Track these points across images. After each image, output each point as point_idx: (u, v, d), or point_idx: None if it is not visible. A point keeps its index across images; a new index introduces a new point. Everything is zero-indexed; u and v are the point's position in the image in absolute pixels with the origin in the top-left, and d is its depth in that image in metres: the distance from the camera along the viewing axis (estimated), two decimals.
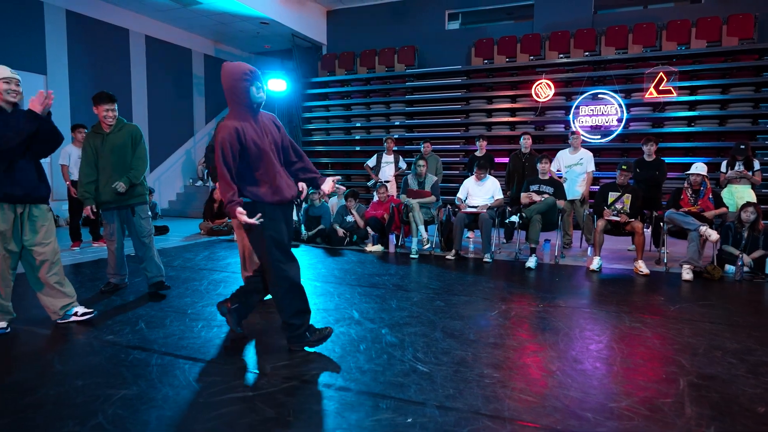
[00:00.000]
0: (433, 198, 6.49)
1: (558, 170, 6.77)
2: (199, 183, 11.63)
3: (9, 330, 3.23)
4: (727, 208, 5.58)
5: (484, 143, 7.52)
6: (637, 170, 6.36)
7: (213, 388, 2.41)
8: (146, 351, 2.90)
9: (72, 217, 6.72)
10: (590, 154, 6.75)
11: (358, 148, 11.16)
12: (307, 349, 2.89)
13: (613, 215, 5.45)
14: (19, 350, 2.99)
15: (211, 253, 6.35)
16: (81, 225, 6.73)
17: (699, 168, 5.51)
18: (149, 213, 4.33)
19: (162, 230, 8.13)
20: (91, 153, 4.03)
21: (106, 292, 4.21)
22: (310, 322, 2.94)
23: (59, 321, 3.37)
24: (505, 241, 7.25)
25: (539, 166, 6.09)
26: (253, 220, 2.62)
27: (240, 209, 2.62)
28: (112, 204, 4.07)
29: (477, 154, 7.50)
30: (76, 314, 3.42)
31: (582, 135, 9.04)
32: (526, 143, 6.98)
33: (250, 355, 2.91)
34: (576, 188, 6.64)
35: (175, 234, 8.12)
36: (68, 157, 6.56)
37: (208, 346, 3.00)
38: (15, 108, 3.19)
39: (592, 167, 6.68)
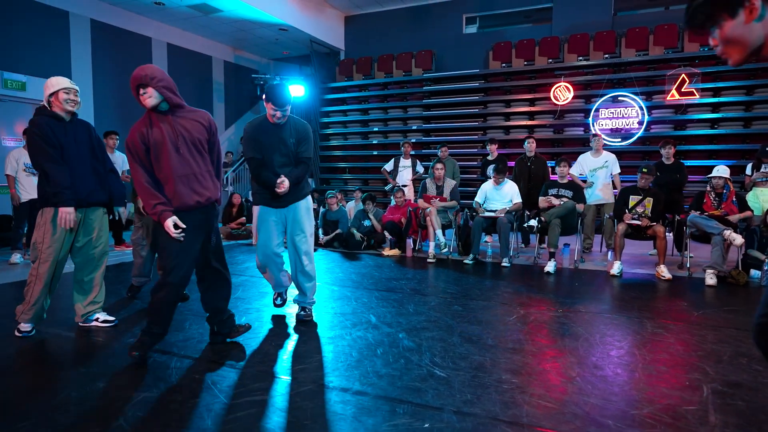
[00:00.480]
0: (454, 202, 6.48)
1: (581, 174, 6.68)
2: None
3: (34, 332, 3.32)
4: (752, 211, 5.46)
5: (495, 147, 7.48)
6: (657, 174, 6.26)
7: (231, 391, 2.44)
8: (166, 354, 2.94)
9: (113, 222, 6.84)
10: (614, 156, 6.66)
11: (375, 153, 11.20)
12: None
13: (634, 219, 5.37)
14: (43, 353, 3.06)
15: (230, 257, 6.42)
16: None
17: (721, 171, 5.40)
18: None
19: None
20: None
21: (132, 297, 4.30)
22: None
23: (81, 324, 3.45)
24: (523, 245, 7.18)
25: (558, 169, 6.04)
26: (170, 230, 2.66)
27: (167, 215, 2.68)
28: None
29: (489, 158, 7.46)
30: (97, 320, 3.49)
31: (603, 138, 8.96)
32: (530, 146, 6.95)
33: (269, 359, 2.92)
34: (597, 192, 6.55)
35: None
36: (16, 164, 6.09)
37: (226, 350, 3.03)
38: (73, 117, 3.34)
39: (617, 169, 6.58)
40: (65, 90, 3.24)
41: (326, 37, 11.78)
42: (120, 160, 6.46)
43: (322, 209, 7.51)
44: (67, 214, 3.13)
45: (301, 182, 3.48)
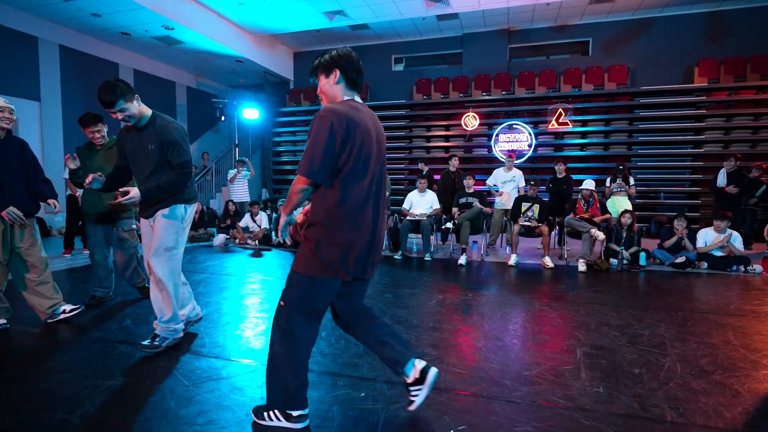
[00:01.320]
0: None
1: (495, 185, 6.91)
2: None
3: (9, 326, 2.99)
4: (610, 214, 5.93)
5: (425, 166, 7.69)
6: (551, 185, 6.63)
7: (193, 376, 2.30)
8: (132, 345, 2.72)
9: (67, 227, 6.26)
10: (521, 172, 6.92)
11: None
12: None
13: (526, 221, 5.66)
14: (9, 348, 2.74)
15: (192, 257, 6.07)
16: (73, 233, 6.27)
17: (588, 183, 5.84)
18: (134, 226, 3.80)
19: None
20: (83, 167, 3.48)
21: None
22: None
23: (49, 320, 3.12)
24: (441, 242, 7.36)
25: (465, 182, 6.25)
26: None
27: None
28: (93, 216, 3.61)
29: (424, 173, 7.66)
30: (64, 311, 3.17)
31: (501, 157, 9.39)
32: (454, 163, 7.17)
33: (226, 345, 2.79)
34: (507, 201, 6.77)
35: None
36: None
37: (188, 339, 2.86)
38: (8, 134, 2.98)
39: (523, 183, 6.81)
40: None
41: (277, 68, 11.50)
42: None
43: (275, 215, 7.29)
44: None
45: (171, 191, 2.54)
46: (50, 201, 3.12)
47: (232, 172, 8.49)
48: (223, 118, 10.96)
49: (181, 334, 2.75)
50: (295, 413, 1.76)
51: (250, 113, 10.71)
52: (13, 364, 2.49)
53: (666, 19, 9.29)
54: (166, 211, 2.59)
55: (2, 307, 2.98)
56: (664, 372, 2.38)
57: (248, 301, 3.81)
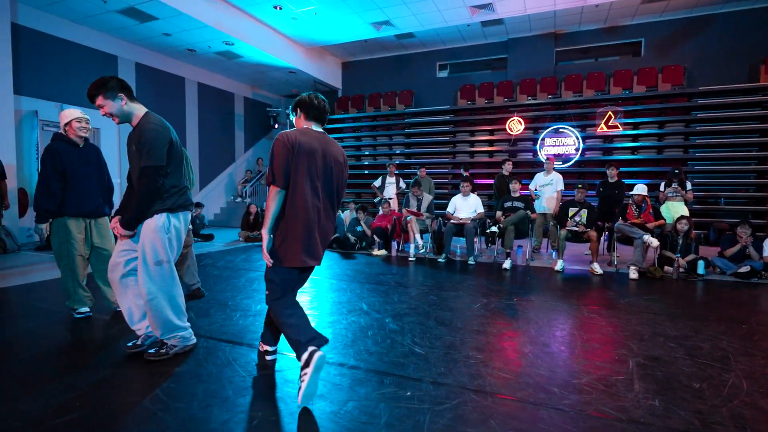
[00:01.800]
0: (426, 215, 6.48)
1: (535, 189, 6.74)
2: (239, 199, 11.65)
3: (91, 314, 3.25)
4: (665, 220, 5.55)
5: (467, 171, 7.81)
6: (601, 189, 6.32)
7: (249, 367, 2.39)
8: (195, 336, 2.87)
9: None
10: (560, 176, 6.71)
11: (366, 172, 11.18)
12: None
13: (573, 226, 5.42)
14: (90, 333, 2.97)
15: (248, 256, 6.34)
16: None
17: (640, 189, 5.50)
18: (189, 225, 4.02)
19: (208, 238, 8.13)
20: None
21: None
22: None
23: (118, 309, 3.36)
24: (485, 246, 7.21)
25: (511, 186, 6.09)
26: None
27: None
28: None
29: (465, 174, 7.73)
30: None
31: (553, 162, 9.06)
32: (507, 167, 7.02)
33: (282, 339, 2.87)
34: (543, 204, 6.61)
35: (219, 240, 8.12)
36: None
37: (244, 332, 2.98)
38: (86, 142, 3.26)
39: (561, 186, 6.62)
40: (77, 119, 3.17)
41: (327, 78, 11.78)
42: None
43: (340, 214, 7.44)
44: (45, 228, 3.16)
45: (147, 204, 2.32)
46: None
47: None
48: (276, 126, 11.39)
49: (193, 341, 2.60)
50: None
51: None
52: (93, 348, 2.70)
53: (726, 15, 8.58)
54: (148, 221, 2.38)
55: (85, 296, 3.25)
56: (727, 388, 2.18)
57: (298, 298, 3.90)
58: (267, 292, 2.22)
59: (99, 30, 8.37)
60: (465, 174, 8.13)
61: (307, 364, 1.93)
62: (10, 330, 3.04)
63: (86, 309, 3.25)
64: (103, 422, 1.82)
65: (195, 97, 10.89)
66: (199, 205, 8.25)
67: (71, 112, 3.17)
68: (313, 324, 3.18)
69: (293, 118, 2.33)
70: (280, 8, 8.36)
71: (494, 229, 5.70)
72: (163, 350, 2.49)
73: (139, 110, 2.47)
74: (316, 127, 2.25)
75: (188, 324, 2.60)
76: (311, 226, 2.13)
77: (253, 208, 8.35)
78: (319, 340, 2.05)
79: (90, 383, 2.18)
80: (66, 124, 3.14)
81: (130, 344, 2.57)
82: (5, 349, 2.68)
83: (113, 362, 2.44)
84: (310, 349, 1.97)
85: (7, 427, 1.79)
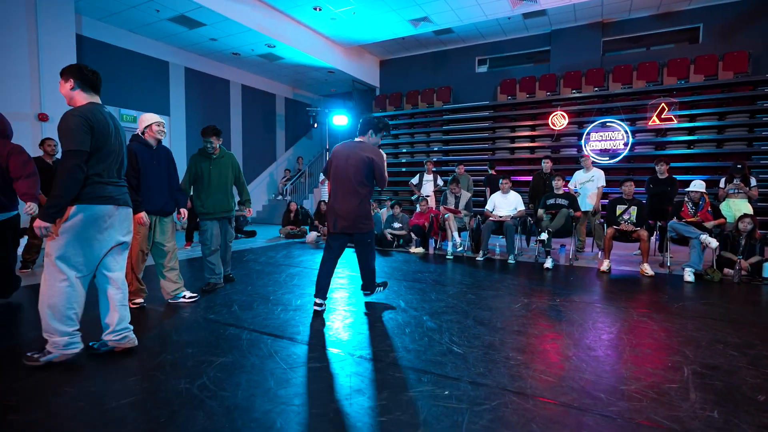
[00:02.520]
0: (464, 213, 6.38)
1: (574, 186, 6.50)
2: (280, 197, 12.00)
3: (145, 305, 3.47)
4: (725, 219, 5.15)
5: (492, 171, 8.13)
6: (651, 186, 5.99)
7: (290, 360, 2.45)
8: (239, 328, 2.99)
9: (188, 223, 7.07)
10: (601, 172, 6.43)
11: (404, 169, 11.16)
12: None
13: (622, 224, 5.15)
14: (145, 323, 3.16)
15: (288, 252, 6.51)
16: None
17: (697, 185, 5.13)
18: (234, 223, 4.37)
19: (250, 234, 8.43)
20: (194, 172, 4.01)
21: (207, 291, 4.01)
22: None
23: (171, 301, 3.57)
24: (526, 245, 7.01)
25: (554, 183, 5.87)
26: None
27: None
28: (216, 214, 4.06)
29: (492, 174, 7.96)
30: (184, 297, 3.60)
31: (592, 157, 8.66)
32: (547, 165, 6.81)
33: (319, 335, 2.93)
34: (587, 201, 6.35)
35: (261, 237, 8.39)
36: None
37: (285, 326, 3.06)
38: (159, 144, 3.47)
39: (602, 183, 6.35)
40: (157, 123, 3.39)
41: (365, 77, 11.86)
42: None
43: (376, 213, 7.52)
44: (142, 217, 3.29)
45: (66, 194, 2.18)
46: (182, 210, 3.64)
47: (322, 176, 8.92)
48: (315, 125, 11.61)
49: (72, 350, 2.31)
50: None
51: (340, 120, 11.19)
52: (147, 337, 2.86)
53: None
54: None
55: (140, 289, 3.46)
56: None
57: (337, 294, 3.97)
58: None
59: (152, 38, 8.88)
60: (491, 173, 8.03)
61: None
62: None
63: (140, 300, 3.46)
64: (157, 406, 1.93)
65: (239, 98, 11.31)
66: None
67: (151, 117, 3.42)
68: (351, 320, 3.23)
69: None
70: (320, 9, 8.50)
71: (543, 236, 5.41)
72: (36, 355, 2.28)
73: (81, 100, 2.33)
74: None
75: (69, 330, 2.29)
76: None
77: (293, 206, 8.56)
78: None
79: (146, 369, 2.31)
80: (146, 127, 3.39)
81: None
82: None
83: (165, 350, 2.59)
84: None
85: (71, 408, 1.93)
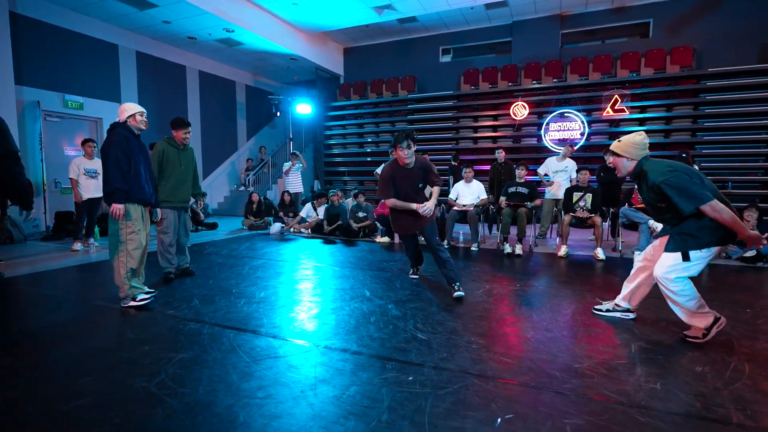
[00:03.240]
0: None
1: (546, 174, 6.64)
2: (242, 188, 11.68)
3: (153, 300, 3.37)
4: None
5: (456, 163, 8.26)
6: (601, 174, 6.26)
7: (253, 353, 2.42)
8: (199, 322, 2.91)
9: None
10: (574, 163, 6.61)
11: (369, 159, 11.14)
12: None
13: (578, 211, 5.38)
14: (99, 322, 3.02)
15: (251, 244, 6.37)
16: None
17: None
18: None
19: (212, 226, 8.18)
20: (162, 159, 3.96)
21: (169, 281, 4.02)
22: None
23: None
24: (488, 233, 7.19)
25: (517, 171, 6.03)
26: None
27: None
28: (176, 203, 4.05)
29: (454, 164, 8.11)
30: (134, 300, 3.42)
31: (550, 147, 8.97)
32: (501, 155, 7.00)
33: (283, 326, 2.91)
34: (553, 190, 6.51)
35: (222, 229, 8.17)
36: (77, 170, 5.78)
37: (249, 319, 3.01)
38: (138, 135, 3.41)
39: (575, 175, 6.54)
40: (140, 113, 3.34)
41: (328, 64, 11.67)
42: (99, 165, 5.97)
43: (326, 205, 7.47)
44: (118, 209, 3.16)
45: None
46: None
47: (287, 165, 8.75)
48: (278, 114, 11.33)
49: None
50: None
51: (303, 108, 10.98)
52: (101, 336, 2.74)
53: None
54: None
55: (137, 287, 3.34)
56: (730, 371, 2.18)
57: (302, 285, 3.94)
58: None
59: (99, 18, 8.30)
60: (454, 164, 8.18)
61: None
62: (19, 321, 3.09)
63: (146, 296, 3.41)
64: (112, 407, 1.86)
65: (197, 85, 10.84)
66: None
67: (134, 106, 3.33)
68: (316, 311, 3.21)
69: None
70: None
71: (508, 249, 5.50)
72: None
73: None
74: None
75: None
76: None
77: (255, 197, 8.37)
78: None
79: (100, 369, 2.21)
80: (130, 116, 3.29)
81: None
82: (27, 339, 2.73)
83: (120, 348, 2.48)
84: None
85: (18, 412, 1.83)
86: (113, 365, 2.26)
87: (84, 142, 5.93)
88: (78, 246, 5.75)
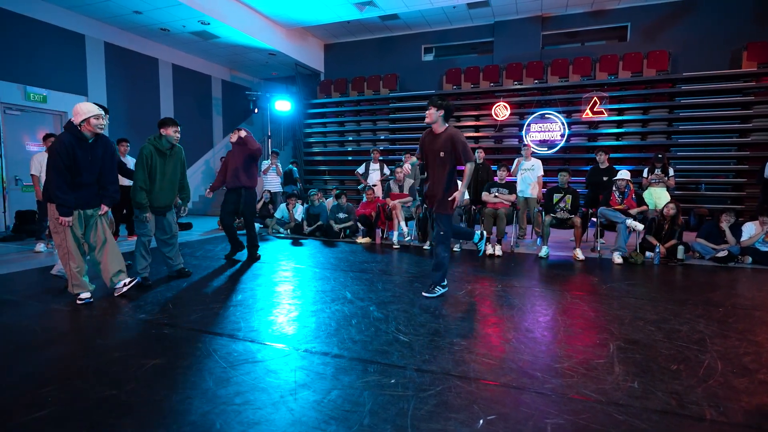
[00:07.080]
0: (410, 198, 6.50)
1: (521, 175, 6.77)
2: None
3: (92, 300, 3.34)
4: (647, 206, 5.68)
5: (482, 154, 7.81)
6: (592, 175, 6.41)
7: (230, 357, 2.38)
8: (173, 327, 2.85)
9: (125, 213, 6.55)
10: (540, 162, 6.77)
11: (350, 158, 11.11)
12: None
13: (558, 212, 5.51)
14: (65, 326, 2.92)
15: (227, 245, 6.25)
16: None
17: (623, 174, 5.60)
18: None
19: (186, 226, 8.00)
20: (150, 166, 3.84)
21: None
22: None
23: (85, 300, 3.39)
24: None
25: (499, 172, 6.13)
26: None
27: None
28: (159, 208, 3.95)
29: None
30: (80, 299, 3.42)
31: (532, 147, 9.13)
32: (479, 155, 7.07)
33: (261, 330, 2.87)
34: (528, 190, 6.68)
35: (197, 229, 8.00)
36: (40, 166, 5.58)
37: (225, 322, 2.96)
38: (96, 137, 3.21)
39: (541, 172, 6.70)
40: (95, 116, 3.15)
41: (308, 61, 11.57)
42: (131, 163, 6.19)
43: (305, 204, 7.41)
44: (66, 221, 3.17)
45: None
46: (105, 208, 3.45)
47: (266, 164, 8.61)
48: (256, 110, 11.16)
49: None
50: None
51: (282, 105, 10.85)
52: (65, 342, 2.64)
53: (712, 0, 8.72)
54: None
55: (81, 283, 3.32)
56: (703, 369, 2.28)
57: (281, 288, 3.90)
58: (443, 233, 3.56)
59: (64, 6, 8.00)
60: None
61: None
62: None
63: (88, 295, 3.36)
64: (76, 418, 1.80)
65: (170, 79, 10.57)
66: None
67: (89, 109, 3.13)
68: (296, 314, 3.19)
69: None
70: None
71: (483, 248, 5.60)
72: None
73: None
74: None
75: None
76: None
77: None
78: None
79: (63, 377, 2.14)
80: (84, 120, 3.11)
81: None
82: None
83: (86, 354, 2.40)
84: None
85: None
86: (78, 373, 2.18)
87: (46, 137, 5.71)
88: (41, 247, 5.54)
